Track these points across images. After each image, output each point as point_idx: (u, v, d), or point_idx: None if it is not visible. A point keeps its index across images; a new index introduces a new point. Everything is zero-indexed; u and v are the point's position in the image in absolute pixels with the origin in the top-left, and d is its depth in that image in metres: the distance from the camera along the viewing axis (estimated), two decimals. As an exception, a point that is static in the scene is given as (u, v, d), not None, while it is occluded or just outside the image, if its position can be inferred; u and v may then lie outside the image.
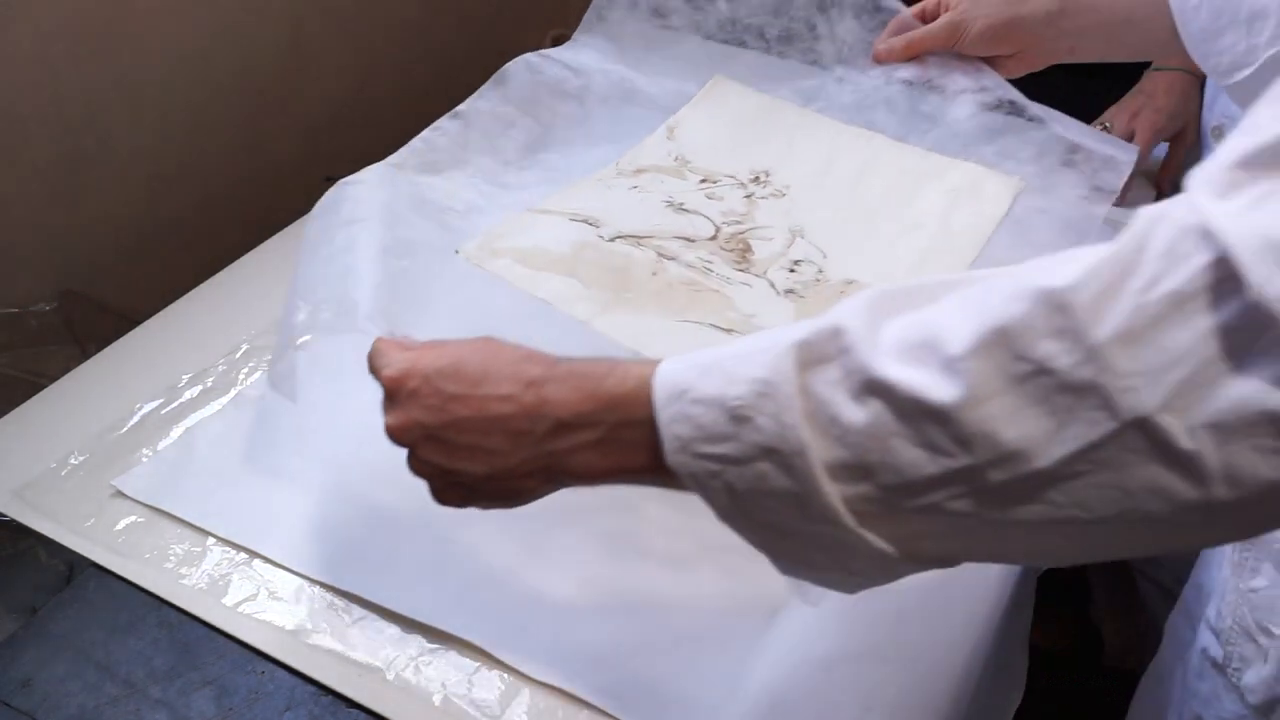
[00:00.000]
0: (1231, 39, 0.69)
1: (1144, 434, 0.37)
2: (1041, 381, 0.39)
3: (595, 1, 1.06)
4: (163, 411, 0.79)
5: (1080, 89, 0.99)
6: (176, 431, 0.78)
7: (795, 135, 0.92)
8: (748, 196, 0.87)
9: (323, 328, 0.68)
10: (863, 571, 0.46)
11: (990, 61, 0.92)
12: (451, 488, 0.55)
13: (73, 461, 0.75)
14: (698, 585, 0.67)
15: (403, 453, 0.55)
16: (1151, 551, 0.47)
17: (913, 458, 0.41)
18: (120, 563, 0.69)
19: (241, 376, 0.82)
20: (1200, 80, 1.01)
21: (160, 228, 1.10)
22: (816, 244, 0.84)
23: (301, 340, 0.69)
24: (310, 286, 0.71)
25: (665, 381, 0.47)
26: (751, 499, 0.45)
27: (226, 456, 0.75)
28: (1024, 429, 0.39)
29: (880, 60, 0.94)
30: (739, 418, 0.44)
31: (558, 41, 1.50)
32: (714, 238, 0.83)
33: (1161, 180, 1.04)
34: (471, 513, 0.57)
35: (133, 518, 0.72)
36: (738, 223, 0.85)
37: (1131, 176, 0.90)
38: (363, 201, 0.79)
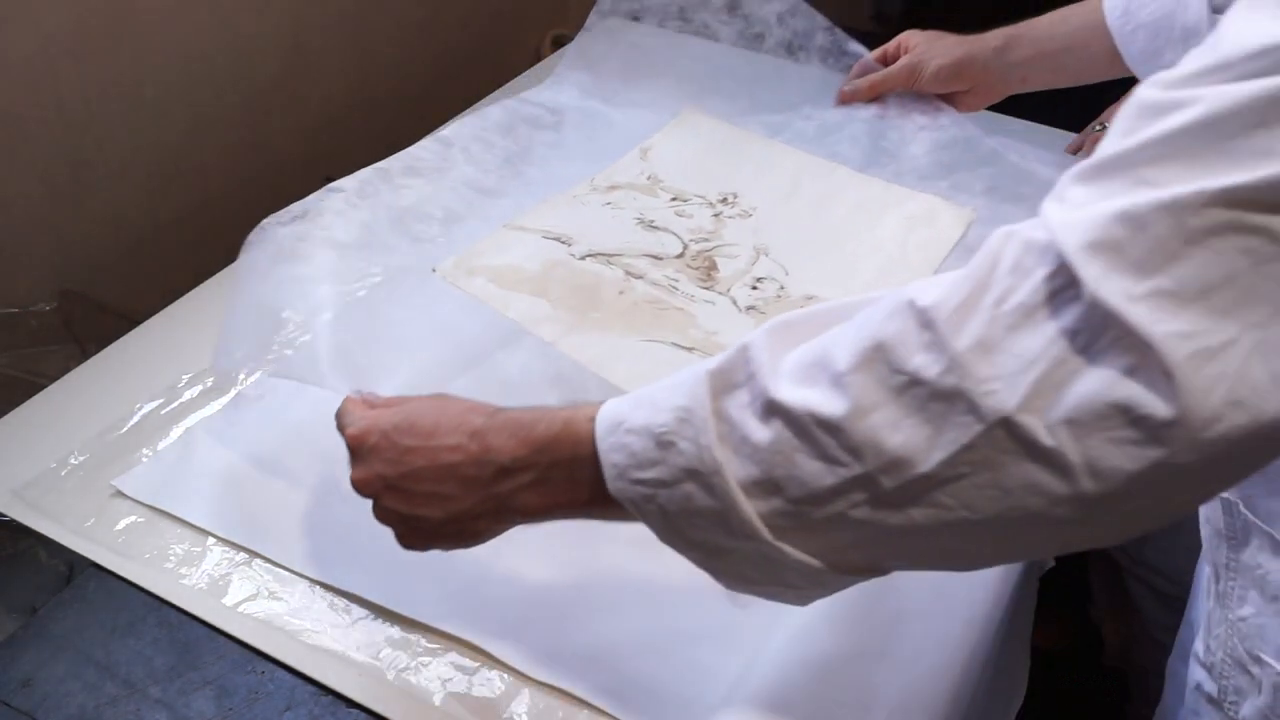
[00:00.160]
0: (1171, 58, 0.71)
1: (1008, 433, 0.40)
2: (916, 391, 0.42)
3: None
4: (163, 411, 0.79)
5: (1086, 87, 1.00)
6: (176, 431, 0.78)
7: (762, 163, 0.97)
8: (716, 215, 0.92)
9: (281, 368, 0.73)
10: (798, 584, 0.49)
11: (949, 98, 0.99)
12: (413, 533, 0.59)
13: (73, 461, 0.75)
14: (698, 586, 0.67)
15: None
16: (1054, 551, 0.50)
17: (813, 470, 0.45)
18: (120, 563, 0.69)
19: (241, 376, 0.82)
20: None
21: (160, 228, 1.10)
22: (779, 262, 0.88)
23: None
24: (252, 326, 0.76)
25: (605, 416, 0.51)
26: (683, 519, 0.49)
27: (226, 456, 0.75)
28: (906, 436, 0.42)
29: (846, 101, 1.01)
30: (664, 443, 0.48)
31: (558, 41, 1.50)
32: (681, 255, 0.87)
33: None
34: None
35: (133, 518, 0.72)
36: (705, 240, 0.89)
37: None
38: (341, 217, 0.82)
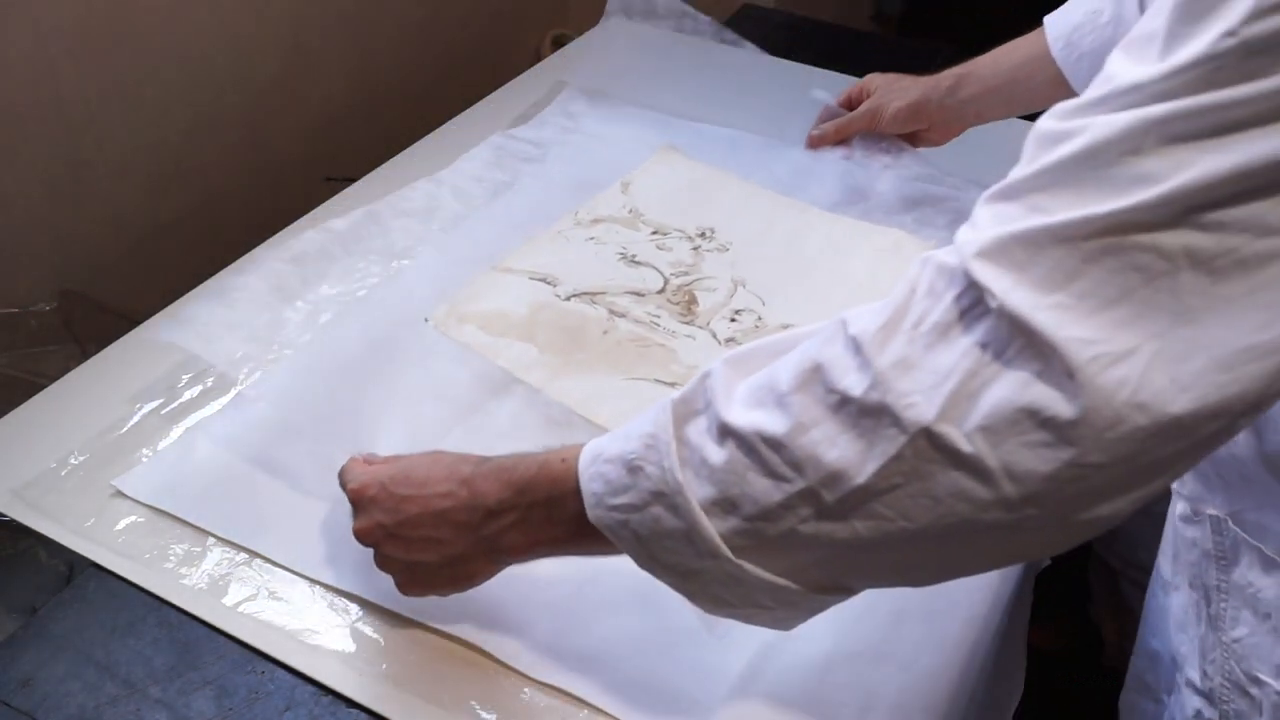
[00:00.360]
0: None
1: (930, 443, 0.44)
2: (849, 408, 0.46)
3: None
4: (163, 411, 0.79)
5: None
6: (176, 431, 0.78)
7: (737, 201, 1.02)
8: (695, 249, 0.96)
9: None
10: (769, 605, 0.52)
11: (911, 137, 1.05)
12: (413, 579, 0.63)
13: (73, 461, 0.75)
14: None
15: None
16: (1005, 559, 0.53)
17: (763, 487, 0.48)
18: (120, 563, 0.69)
19: (241, 376, 0.82)
20: None
21: (160, 228, 1.10)
22: (756, 293, 0.92)
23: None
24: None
25: (588, 449, 0.55)
26: (654, 542, 0.52)
27: (226, 456, 0.75)
28: (841, 451, 0.46)
29: (815, 145, 1.08)
30: (633, 468, 0.52)
31: (558, 41, 1.51)
32: (662, 290, 0.91)
33: None
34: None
35: (133, 518, 0.72)
36: (685, 273, 0.93)
37: None
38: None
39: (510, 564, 0.61)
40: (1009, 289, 0.42)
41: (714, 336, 0.87)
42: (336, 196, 1.02)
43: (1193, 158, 0.39)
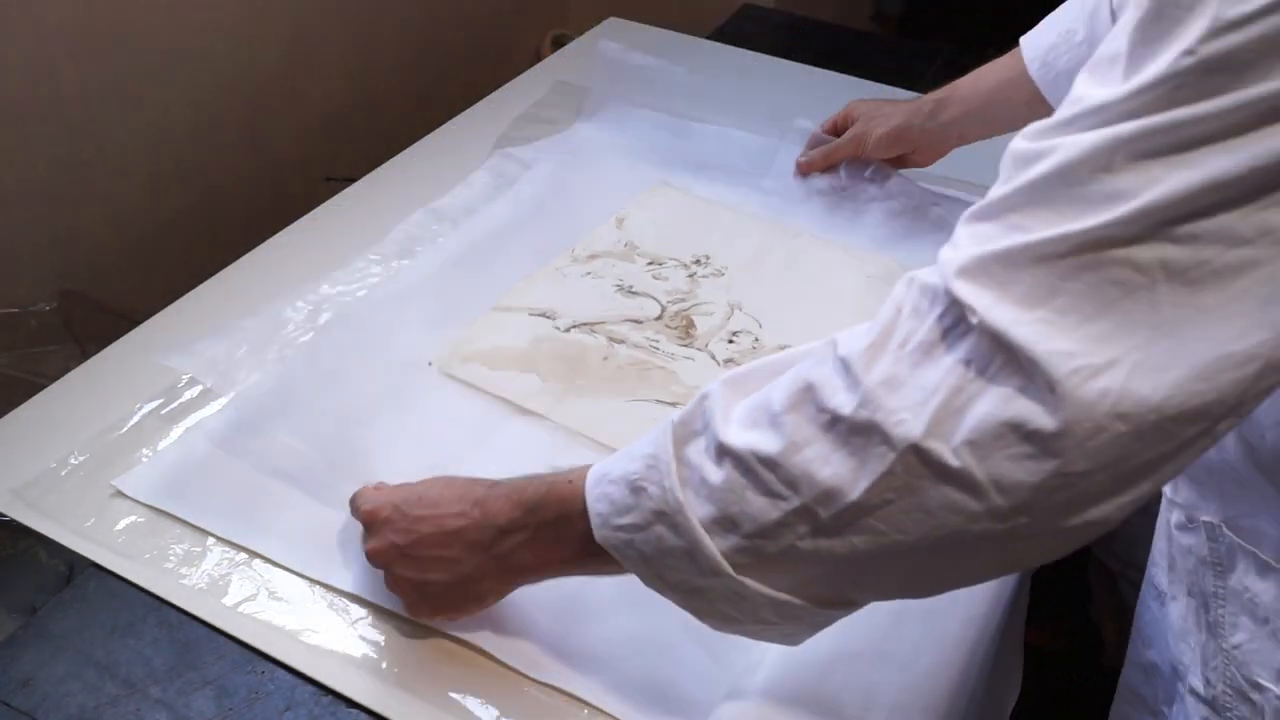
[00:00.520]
0: None
1: (919, 459, 0.44)
2: (839, 427, 0.47)
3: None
4: (163, 411, 0.79)
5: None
6: (176, 431, 0.78)
7: (730, 230, 1.03)
8: (690, 275, 0.97)
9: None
10: (775, 621, 0.53)
11: (897, 160, 1.05)
12: (424, 600, 0.63)
13: (73, 461, 0.75)
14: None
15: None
16: (1002, 569, 0.54)
17: (760, 505, 0.49)
18: (120, 563, 0.69)
19: (241, 376, 0.82)
20: None
21: (160, 228, 1.11)
22: (753, 315, 0.93)
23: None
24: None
25: (594, 471, 0.56)
26: (659, 561, 0.53)
27: (226, 457, 0.75)
28: (834, 468, 0.47)
29: (803, 172, 1.08)
30: (636, 489, 0.53)
31: (558, 42, 1.51)
32: (660, 317, 0.92)
33: None
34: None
35: (133, 518, 0.72)
36: (682, 299, 0.94)
37: None
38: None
39: (520, 584, 0.62)
40: (990, 306, 0.43)
41: (713, 358, 0.88)
42: (336, 196, 1.02)
43: (1162, 173, 0.40)
